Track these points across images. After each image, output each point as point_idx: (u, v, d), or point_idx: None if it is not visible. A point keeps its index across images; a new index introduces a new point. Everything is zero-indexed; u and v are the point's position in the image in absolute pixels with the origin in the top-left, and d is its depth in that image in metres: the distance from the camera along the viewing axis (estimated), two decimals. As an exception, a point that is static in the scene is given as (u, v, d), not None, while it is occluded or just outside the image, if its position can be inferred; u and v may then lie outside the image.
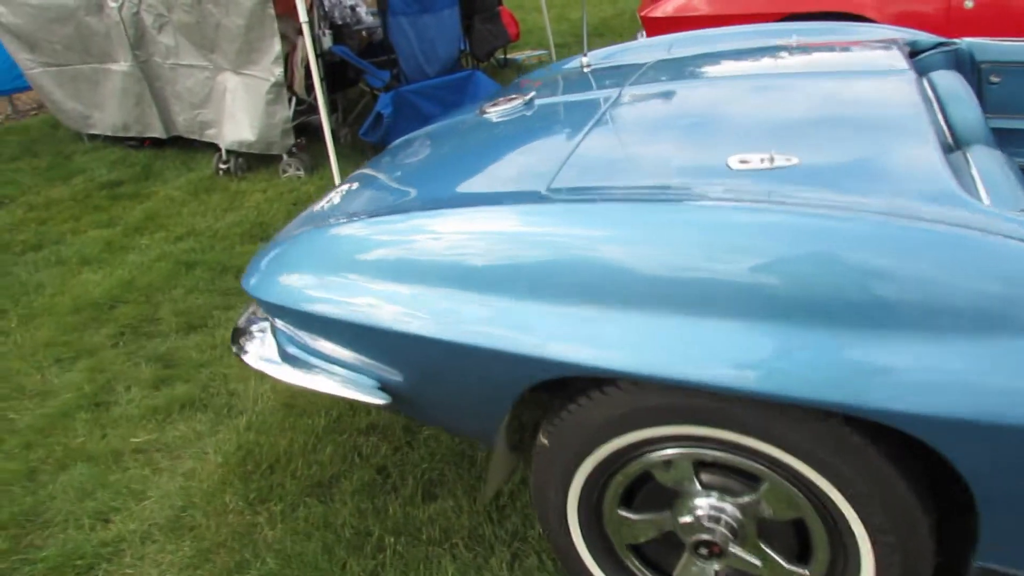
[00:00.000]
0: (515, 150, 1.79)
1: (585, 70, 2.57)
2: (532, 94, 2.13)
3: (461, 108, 4.53)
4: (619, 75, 2.35)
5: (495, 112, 2.09)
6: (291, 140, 4.18)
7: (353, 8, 4.92)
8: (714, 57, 2.30)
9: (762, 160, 1.40)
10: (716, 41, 2.54)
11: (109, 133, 4.85)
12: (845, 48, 2.17)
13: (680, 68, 2.24)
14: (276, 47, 3.82)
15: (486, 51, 5.72)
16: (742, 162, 1.41)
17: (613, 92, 1.97)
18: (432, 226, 1.45)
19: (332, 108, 4.93)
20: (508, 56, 6.35)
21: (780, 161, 1.39)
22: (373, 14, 4.96)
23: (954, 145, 1.57)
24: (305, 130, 4.48)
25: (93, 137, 5.01)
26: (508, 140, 1.88)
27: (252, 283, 1.70)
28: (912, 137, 1.46)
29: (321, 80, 4.62)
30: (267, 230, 3.66)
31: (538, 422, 1.58)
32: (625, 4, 8.29)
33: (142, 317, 2.97)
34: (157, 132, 4.64)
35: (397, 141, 2.31)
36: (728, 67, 2.12)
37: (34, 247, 3.69)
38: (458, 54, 4.63)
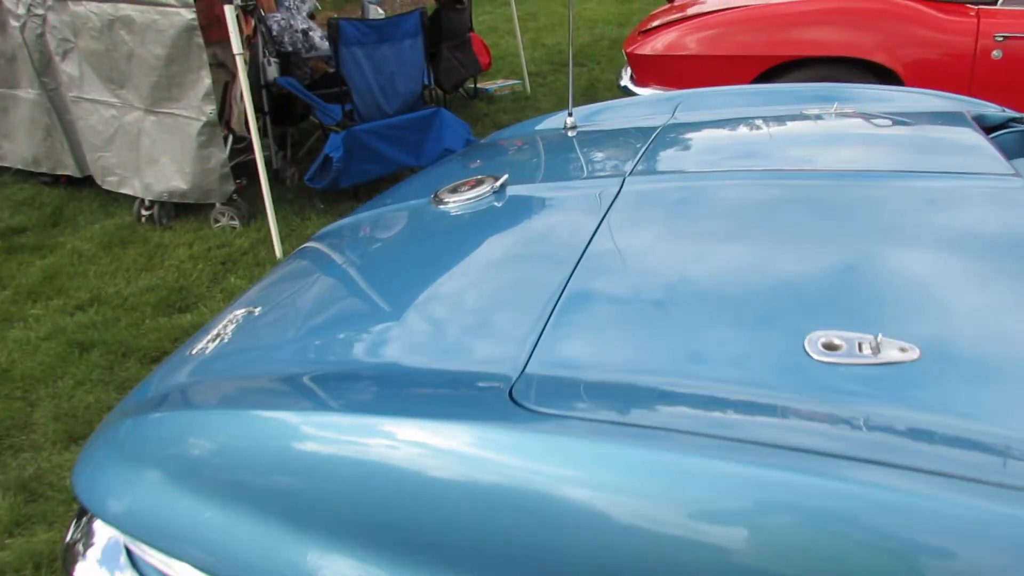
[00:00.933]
0: (477, 276, 1.27)
1: (570, 134, 2.07)
2: (504, 178, 1.61)
3: (423, 152, 4.05)
4: (615, 148, 1.85)
5: (455, 203, 1.57)
6: (231, 186, 3.60)
7: (306, 32, 4.38)
8: (738, 127, 1.81)
9: (861, 346, 0.90)
10: (732, 103, 2.05)
11: (20, 167, 4.24)
12: (907, 122, 1.70)
13: (697, 146, 1.75)
14: (205, 81, 3.25)
15: (454, 82, 5.21)
16: (827, 347, 0.91)
17: (611, 185, 1.46)
18: (353, 438, 0.93)
19: (280, 144, 4.37)
20: (478, 86, 5.85)
21: (891, 351, 0.89)
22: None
23: None
24: (246, 170, 3.91)
25: (2, 171, 4.38)
26: (469, 251, 1.35)
27: (82, 481, 1.15)
28: None
29: (263, 115, 4.08)
30: (186, 297, 3.09)
31: None
32: (603, 30, 7.85)
33: (12, 421, 2.38)
34: (70, 170, 4.03)
35: (328, 230, 1.77)
36: (763, 148, 1.63)
37: (-102, 316, 3.07)
38: (421, 89, 4.11)
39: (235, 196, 3.69)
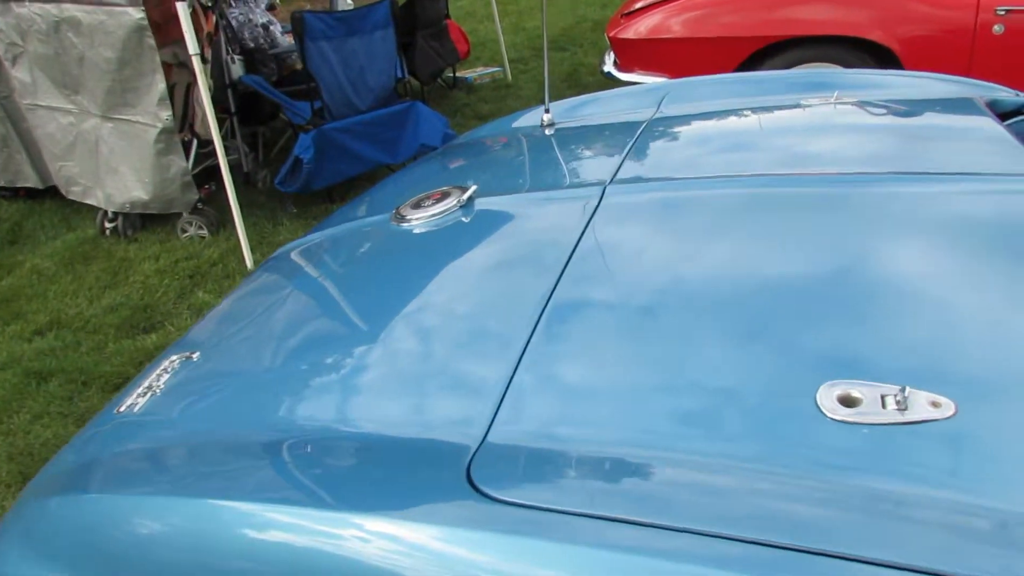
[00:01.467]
0: (436, 315, 1.10)
1: (547, 132, 1.91)
2: (471, 190, 1.45)
3: (399, 149, 3.88)
4: (595, 149, 1.70)
5: (418, 220, 1.42)
6: (194, 195, 3.42)
7: (267, 27, 4.18)
8: (729, 122, 1.65)
9: (885, 399, 0.75)
10: (722, 94, 1.89)
11: (-25, 180, 4.04)
12: (915, 113, 1.54)
13: (685, 146, 1.59)
14: (160, 86, 3.06)
15: (431, 73, 5.03)
16: (844, 401, 0.76)
17: (590, 196, 1.31)
18: (292, 528, 0.79)
19: (250, 146, 4.19)
20: (457, 75, 5.66)
21: (922, 406, 0.74)
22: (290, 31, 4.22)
23: None
24: (214, 175, 3.73)
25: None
26: (429, 283, 1.19)
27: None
28: None
29: (230, 116, 3.90)
30: (152, 316, 2.92)
31: None
32: (585, 11, 7.65)
33: (-39, 464, 2.22)
34: (31, 181, 3.84)
35: (280, 254, 1.61)
36: (759, 147, 1.46)
37: None
38: (394, 83, 3.92)
39: (201, 204, 3.51)
